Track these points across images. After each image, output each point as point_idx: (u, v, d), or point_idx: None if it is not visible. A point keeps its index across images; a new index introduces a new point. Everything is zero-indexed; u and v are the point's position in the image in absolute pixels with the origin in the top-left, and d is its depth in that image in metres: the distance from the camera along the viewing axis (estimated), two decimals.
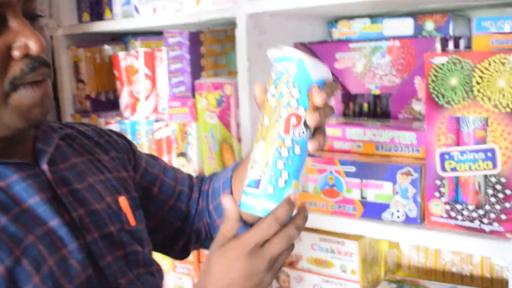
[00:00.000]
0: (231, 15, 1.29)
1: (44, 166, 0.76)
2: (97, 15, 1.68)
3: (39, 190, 0.74)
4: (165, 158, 1.47)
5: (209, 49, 1.44)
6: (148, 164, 0.99)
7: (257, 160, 0.72)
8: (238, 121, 1.32)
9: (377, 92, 1.36)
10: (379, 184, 1.15)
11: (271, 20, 1.34)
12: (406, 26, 1.37)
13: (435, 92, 1.06)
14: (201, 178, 1.05)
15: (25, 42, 0.69)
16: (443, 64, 1.05)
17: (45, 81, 0.73)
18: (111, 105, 1.75)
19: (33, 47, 0.69)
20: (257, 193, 0.72)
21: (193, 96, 1.40)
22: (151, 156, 1.03)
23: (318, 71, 0.72)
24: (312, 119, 0.70)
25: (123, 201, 0.81)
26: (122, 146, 0.96)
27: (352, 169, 1.18)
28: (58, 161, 0.81)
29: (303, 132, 0.72)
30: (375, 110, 1.40)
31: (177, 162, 1.44)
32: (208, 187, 1.01)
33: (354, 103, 1.42)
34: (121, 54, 1.58)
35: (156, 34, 1.70)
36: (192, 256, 1.51)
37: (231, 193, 0.95)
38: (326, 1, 1.17)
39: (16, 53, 0.69)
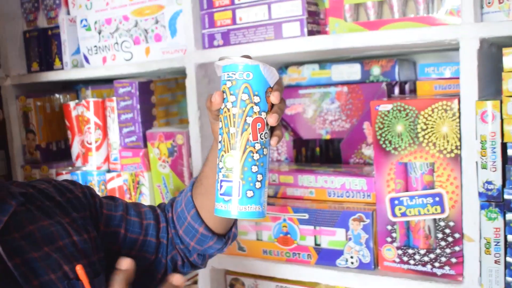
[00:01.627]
0: (180, 65, 1.30)
1: None
2: (47, 65, 1.66)
3: None
4: None
5: (160, 98, 1.44)
6: (109, 209, 0.97)
7: (231, 168, 0.75)
8: (191, 170, 1.31)
9: (328, 137, 1.38)
10: (332, 230, 1.16)
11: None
12: (353, 72, 1.40)
13: (383, 139, 1.08)
14: (163, 207, 1.05)
15: None
16: (388, 111, 1.08)
17: None
18: (62, 155, 1.72)
19: None
20: (236, 199, 0.75)
21: (145, 146, 1.39)
22: (109, 198, 1.02)
23: (272, 74, 0.76)
24: (274, 119, 0.76)
25: (79, 269, 0.79)
26: (84, 201, 0.93)
27: (305, 216, 1.18)
28: (13, 229, 0.78)
29: (267, 133, 0.77)
30: (327, 154, 1.42)
31: None
32: (172, 214, 1.01)
33: (306, 148, 1.43)
34: (72, 104, 1.56)
35: (107, 81, 1.69)
36: None
37: (196, 211, 0.95)
38: (275, 50, 1.19)
39: None
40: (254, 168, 0.76)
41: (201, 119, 1.28)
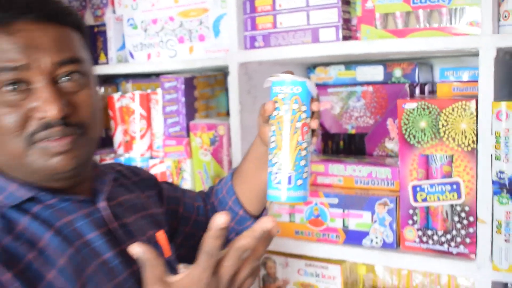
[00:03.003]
0: (224, 63, 1.45)
1: (101, 204, 0.88)
2: (92, 59, 1.81)
3: (96, 227, 0.86)
4: None
5: (202, 92, 1.59)
6: (169, 191, 1.14)
7: (284, 162, 0.92)
8: (230, 158, 1.47)
9: (353, 131, 1.53)
10: (360, 213, 1.31)
11: (258, 68, 1.50)
12: (376, 73, 1.55)
13: (407, 133, 1.24)
14: (205, 194, 1.22)
15: (43, 108, 0.78)
16: (413, 109, 1.23)
17: (66, 137, 0.80)
18: (103, 143, 1.87)
19: (49, 113, 0.77)
20: (289, 187, 0.92)
21: (188, 135, 1.54)
22: (168, 183, 1.19)
23: (313, 88, 0.94)
24: (315, 124, 0.93)
25: (161, 234, 0.93)
26: (152, 183, 1.10)
27: (335, 200, 1.34)
28: (110, 198, 0.93)
29: (310, 134, 0.95)
30: (350, 147, 1.57)
31: None
32: (213, 200, 1.18)
33: (332, 141, 1.59)
34: (116, 96, 1.71)
35: (146, 76, 1.85)
36: None
37: (236, 198, 1.13)
38: (312, 53, 1.34)
39: (35, 116, 0.78)
40: (302, 162, 0.92)
41: (241, 113, 1.44)
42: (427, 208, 1.24)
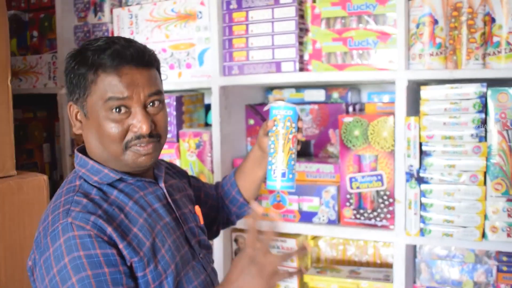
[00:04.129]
0: (207, 85, 1.78)
1: (161, 185, 1.18)
2: None
3: (159, 199, 1.15)
4: None
5: (187, 108, 1.91)
6: (194, 182, 1.44)
7: (280, 162, 1.23)
8: (212, 158, 1.80)
9: (303, 139, 1.90)
10: (311, 199, 1.67)
11: (233, 90, 1.84)
12: (320, 95, 1.92)
13: (345, 139, 1.61)
14: (215, 186, 1.52)
15: (138, 125, 1.06)
16: (350, 122, 1.61)
17: (149, 144, 1.08)
18: None
19: (142, 130, 1.06)
20: (283, 179, 1.23)
21: (178, 141, 1.86)
22: (193, 176, 1.47)
23: (299, 111, 1.26)
24: (301, 136, 1.27)
25: (197, 208, 1.27)
26: (184, 175, 1.40)
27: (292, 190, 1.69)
28: (165, 181, 1.21)
29: (296, 143, 1.26)
30: (300, 151, 1.93)
31: None
32: (220, 191, 1.48)
33: None
34: None
35: None
36: None
37: (238, 189, 1.44)
38: (276, 80, 1.70)
39: (132, 130, 1.06)
40: (292, 162, 1.25)
41: (221, 124, 1.77)
42: (360, 193, 1.61)
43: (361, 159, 1.60)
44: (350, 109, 1.84)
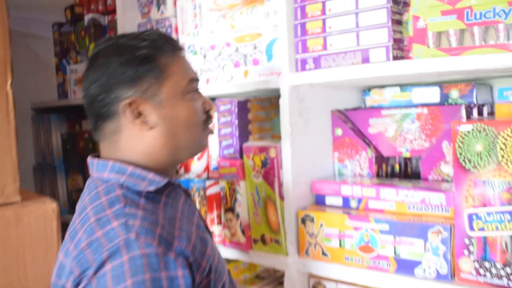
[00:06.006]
0: (275, 86, 1.32)
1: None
2: None
3: (194, 207, 1.07)
4: (214, 213, 1.49)
5: (256, 115, 1.47)
6: None
7: None
8: (281, 181, 1.33)
9: (408, 155, 1.35)
10: (411, 241, 1.13)
11: (310, 90, 1.36)
12: (433, 95, 1.37)
13: (462, 157, 1.05)
14: None
15: (208, 102, 1.06)
16: (468, 132, 1.05)
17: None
18: None
19: (211, 106, 1.07)
20: None
21: (241, 157, 1.42)
22: None
23: None
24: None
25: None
26: None
27: (386, 227, 1.17)
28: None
29: None
30: (406, 171, 1.39)
31: (225, 217, 1.45)
32: None
33: (386, 165, 1.41)
34: None
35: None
36: None
37: None
38: (362, 74, 1.18)
39: (205, 109, 1.05)
40: None
41: (292, 135, 1.30)
42: (485, 238, 1.04)
43: (487, 187, 1.03)
44: (474, 112, 1.26)
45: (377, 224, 1.18)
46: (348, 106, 1.50)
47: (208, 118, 1.05)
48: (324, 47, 1.25)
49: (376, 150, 1.40)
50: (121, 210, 0.87)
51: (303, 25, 1.29)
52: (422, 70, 1.11)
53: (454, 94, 1.34)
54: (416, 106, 1.35)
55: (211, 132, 1.07)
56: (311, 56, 1.28)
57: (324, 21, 1.25)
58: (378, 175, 1.41)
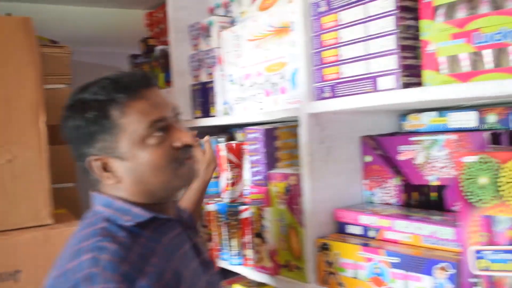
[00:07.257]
0: (295, 114, 1.31)
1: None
2: (206, 112, 1.80)
3: (186, 241, 1.06)
4: (246, 237, 1.50)
5: (285, 142, 1.46)
6: None
7: None
8: (300, 208, 1.31)
9: (438, 183, 1.27)
10: (418, 277, 1.06)
11: (334, 117, 1.33)
12: (469, 119, 1.28)
13: (467, 190, 0.97)
14: None
15: (183, 138, 0.99)
16: (474, 163, 0.97)
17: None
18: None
19: (187, 141, 0.99)
20: None
21: (267, 184, 1.42)
22: None
23: None
24: None
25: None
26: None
27: (397, 260, 1.10)
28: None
29: None
30: (435, 200, 1.30)
31: (254, 241, 1.46)
32: None
33: (418, 193, 1.33)
34: (221, 145, 1.66)
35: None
36: None
37: None
38: (372, 102, 1.14)
39: (175, 146, 0.98)
40: None
41: (311, 163, 1.28)
42: (492, 278, 0.95)
43: (492, 223, 0.94)
44: (504, 139, 1.16)
45: (388, 256, 1.12)
46: (383, 131, 1.44)
47: (182, 152, 0.99)
48: (339, 75, 1.22)
49: (405, 178, 1.32)
50: (95, 244, 0.88)
51: (318, 54, 1.27)
52: (431, 97, 1.05)
53: (491, 118, 1.24)
54: (445, 132, 1.27)
55: (191, 164, 1.01)
56: (328, 84, 1.25)
57: (338, 49, 1.22)
58: (408, 204, 1.33)
